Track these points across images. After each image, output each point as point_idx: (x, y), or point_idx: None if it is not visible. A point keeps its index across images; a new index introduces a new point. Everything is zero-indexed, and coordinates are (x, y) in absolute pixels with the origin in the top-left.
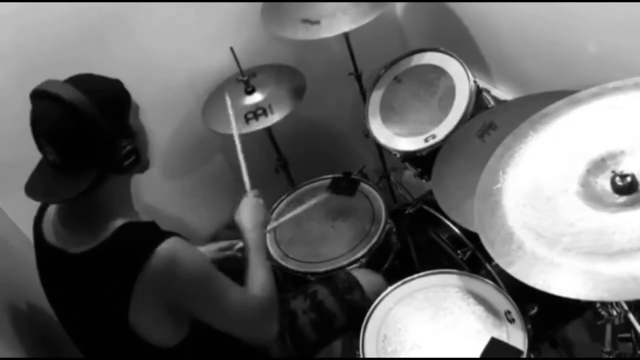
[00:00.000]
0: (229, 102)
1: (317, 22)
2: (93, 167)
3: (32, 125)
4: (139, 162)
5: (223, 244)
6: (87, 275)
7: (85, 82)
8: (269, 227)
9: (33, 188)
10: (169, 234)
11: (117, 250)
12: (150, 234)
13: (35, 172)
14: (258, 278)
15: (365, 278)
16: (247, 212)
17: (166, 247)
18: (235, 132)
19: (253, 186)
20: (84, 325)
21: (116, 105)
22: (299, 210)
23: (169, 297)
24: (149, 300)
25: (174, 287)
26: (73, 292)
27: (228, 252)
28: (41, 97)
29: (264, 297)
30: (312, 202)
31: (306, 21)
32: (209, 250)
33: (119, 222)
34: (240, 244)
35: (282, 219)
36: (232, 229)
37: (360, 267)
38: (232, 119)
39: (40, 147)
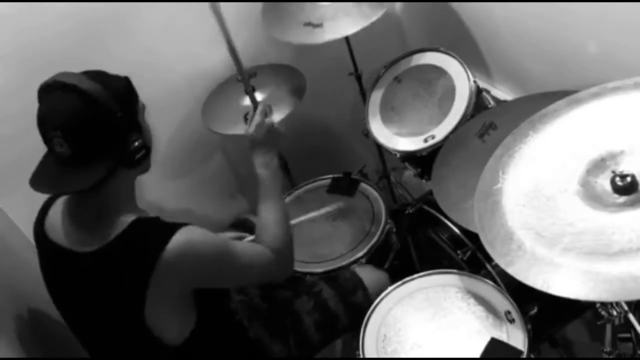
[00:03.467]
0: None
1: (320, 25)
2: (106, 158)
3: (43, 118)
4: (148, 156)
5: (232, 234)
6: (100, 275)
7: (99, 75)
8: None
9: (40, 180)
10: (178, 225)
11: (130, 247)
12: (160, 228)
13: (40, 166)
14: (271, 225)
15: (370, 277)
16: (258, 142)
17: (179, 238)
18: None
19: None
20: (95, 325)
21: (128, 98)
22: (312, 214)
23: (191, 283)
24: (165, 294)
25: (195, 273)
26: (83, 292)
27: None
28: (56, 89)
29: (277, 247)
30: (327, 209)
31: (309, 24)
32: None
33: (129, 218)
34: (250, 238)
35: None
36: (235, 228)
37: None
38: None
39: (49, 140)
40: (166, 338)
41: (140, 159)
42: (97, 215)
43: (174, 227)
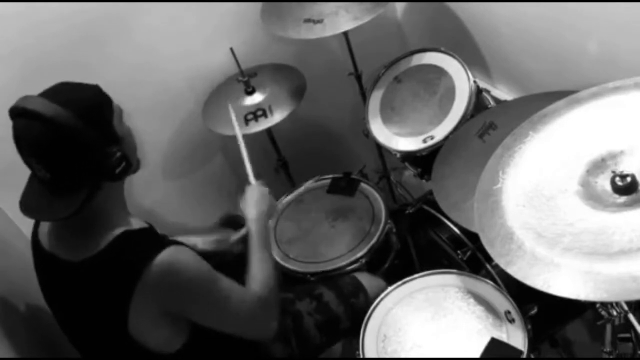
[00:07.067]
0: (232, 112)
1: (320, 21)
2: (85, 179)
3: (15, 143)
4: (130, 167)
5: (220, 236)
6: (85, 284)
7: (62, 94)
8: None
9: (27, 205)
10: (167, 242)
11: (114, 261)
12: (148, 242)
13: (27, 188)
14: (260, 274)
15: (370, 283)
16: (253, 201)
17: (165, 256)
18: (238, 133)
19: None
20: (84, 332)
21: (98, 112)
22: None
23: (169, 306)
24: (148, 309)
25: (174, 296)
26: (72, 299)
27: (223, 246)
28: (20, 115)
29: (265, 295)
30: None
31: (309, 20)
32: (205, 240)
33: (116, 230)
34: (235, 237)
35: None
36: (225, 225)
37: (360, 267)
38: (235, 123)
39: (29, 164)
40: (155, 348)
41: (122, 171)
42: (84, 229)
43: (161, 245)
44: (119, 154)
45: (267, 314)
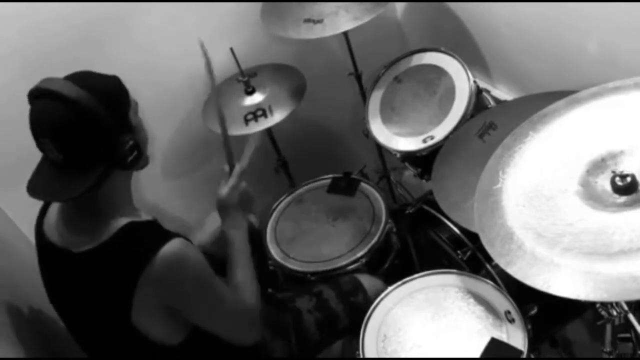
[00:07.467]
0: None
1: (320, 21)
2: (97, 163)
3: (32, 124)
4: (141, 157)
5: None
6: (90, 274)
7: (85, 79)
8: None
9: (36, 188)
10: (173, 235)
11: (120, 250)
12: (154, 234)
13: (36, 172)
14: (247, 282)
15: (368, 282)
16: (222, 210)
17: (170, 248)
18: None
19: (252, 186)
20: (87, 324)
21: (117, 100)
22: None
23: (169, 298)
24: (151, 300)
25: (174, 289)
26: (76, 290)
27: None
28: (42, 96)
29: (255, 305)
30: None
31: (309, 20)
32: (206, 231)
33: (122, 221)
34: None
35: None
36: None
37: (360, 267)
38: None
39: (42, 147)
40: (158, 339)
41: (133, 160)
42: (91, 217)
43: (165, 237)
44: (131, 142)
45: (253, 321)
